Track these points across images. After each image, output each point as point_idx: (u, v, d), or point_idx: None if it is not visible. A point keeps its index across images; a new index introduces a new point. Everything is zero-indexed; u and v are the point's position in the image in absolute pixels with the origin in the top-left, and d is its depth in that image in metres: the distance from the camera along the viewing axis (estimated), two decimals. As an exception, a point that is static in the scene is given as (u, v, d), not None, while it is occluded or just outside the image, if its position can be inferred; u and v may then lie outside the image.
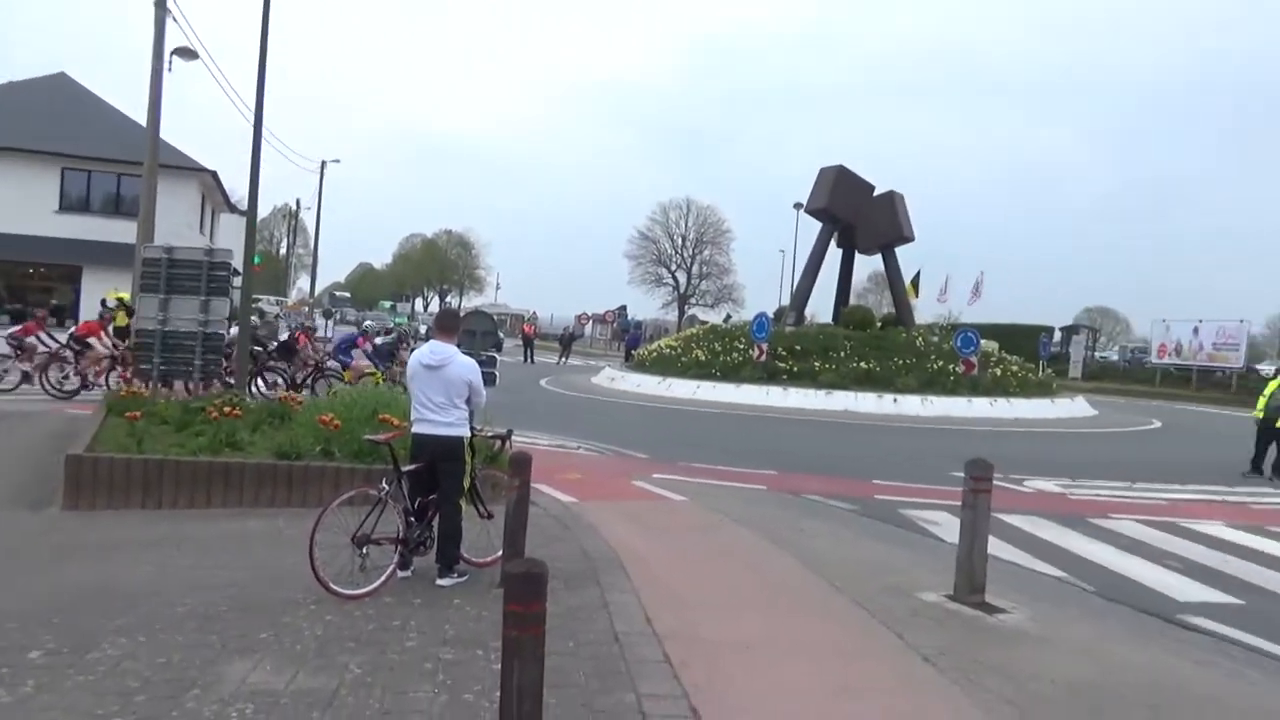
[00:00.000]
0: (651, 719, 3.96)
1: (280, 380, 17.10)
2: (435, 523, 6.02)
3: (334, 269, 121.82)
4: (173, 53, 17.55)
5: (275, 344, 18.38)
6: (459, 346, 6.15)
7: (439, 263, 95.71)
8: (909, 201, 29.02)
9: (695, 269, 74.19)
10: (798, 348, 25.31)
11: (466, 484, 6.05)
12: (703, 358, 25.98)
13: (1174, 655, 5.53)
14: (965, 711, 4.31)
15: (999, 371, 25.89)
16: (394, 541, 5.78)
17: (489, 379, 14.21)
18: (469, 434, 6.05)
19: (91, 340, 15.92)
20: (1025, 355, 31.98)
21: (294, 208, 66.37)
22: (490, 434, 7.04)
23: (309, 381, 16.99)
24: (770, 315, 26.67)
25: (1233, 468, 14.79)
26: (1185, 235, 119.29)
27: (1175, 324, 45.01)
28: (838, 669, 4.79)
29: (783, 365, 24.50)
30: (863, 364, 24.30)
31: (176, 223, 24.29)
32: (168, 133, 20.02)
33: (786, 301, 33.79)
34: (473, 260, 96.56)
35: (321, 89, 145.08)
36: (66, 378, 15.88)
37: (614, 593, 5.86)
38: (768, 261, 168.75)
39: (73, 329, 17.49)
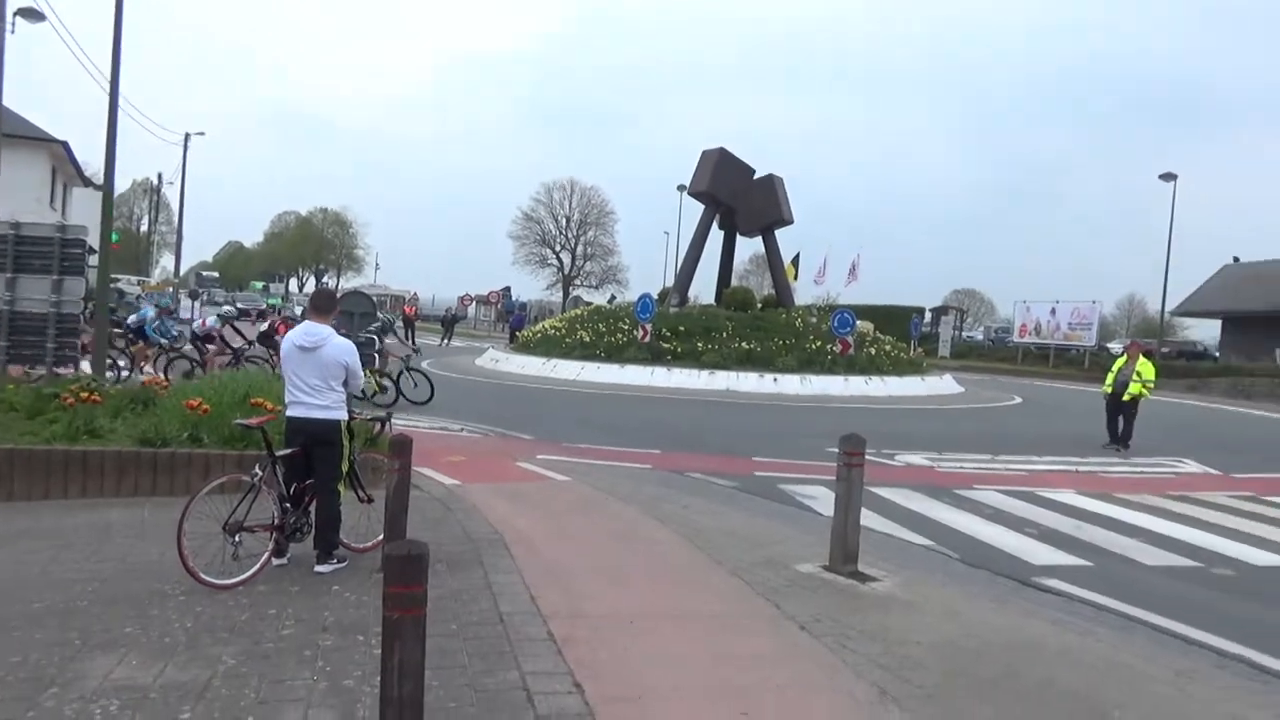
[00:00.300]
0: (536, 696, 3.98)
1: (389, 378, 16.31)
2: (313, 508, 5.86)
3: (201, 248, 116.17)
4: (16, 13, 16.36)
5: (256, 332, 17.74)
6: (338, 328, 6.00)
7: (314, 242, 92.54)
8: (789, 185, 29.71)
9: (580, 250, 74.11)
10: (681, 329, 25.64)
11: (345, 468, 5.91)
12: (587, 339, 26.02)
13: (1029, 615, 5.90)
14: (838, 674, 4.50)
15: (873, 351, 26.84)
16: (269, 529, 5.61)
17: (368, 361, 13.96)
18: (346, 417, 5.91)
19: None
20: (898, 335, 33.26)
21: (155, 182, 62.98)
22: (369, 417, 6.89)
23: None
24: (654, 296, 26.90)
25: (1086, 439, 15.78)
26: (1044, 220, 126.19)
27: (1035, 305, 47.60)
28: (718, 638, 4.92)
29: (666, 346, 24.78)
30: (744, 344, 24.81)
31: (25, 197, 22.73)
32: (13, 100, 18.67)
33: (671, 283, 34.11)
34: (350, 240, 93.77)
35: (185, 59, 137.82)
36: None
37: (498, 573, 5.85)
38: (652, 243, 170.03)
39: None
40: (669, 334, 25.31)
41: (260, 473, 5.56)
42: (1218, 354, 48.35)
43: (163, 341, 17.34)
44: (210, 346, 16.93)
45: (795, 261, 44.99)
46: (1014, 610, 5.97)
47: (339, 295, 13.61)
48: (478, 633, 4.77)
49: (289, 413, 5.80)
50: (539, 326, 31.98)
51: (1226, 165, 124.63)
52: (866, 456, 11.29)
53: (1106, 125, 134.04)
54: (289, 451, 5.79)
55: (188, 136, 45.99)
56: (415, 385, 15.81)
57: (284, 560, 5.81)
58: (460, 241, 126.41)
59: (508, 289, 65.54)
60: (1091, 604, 6.40)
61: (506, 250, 74.75)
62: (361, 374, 6.01)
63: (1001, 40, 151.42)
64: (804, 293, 51.33)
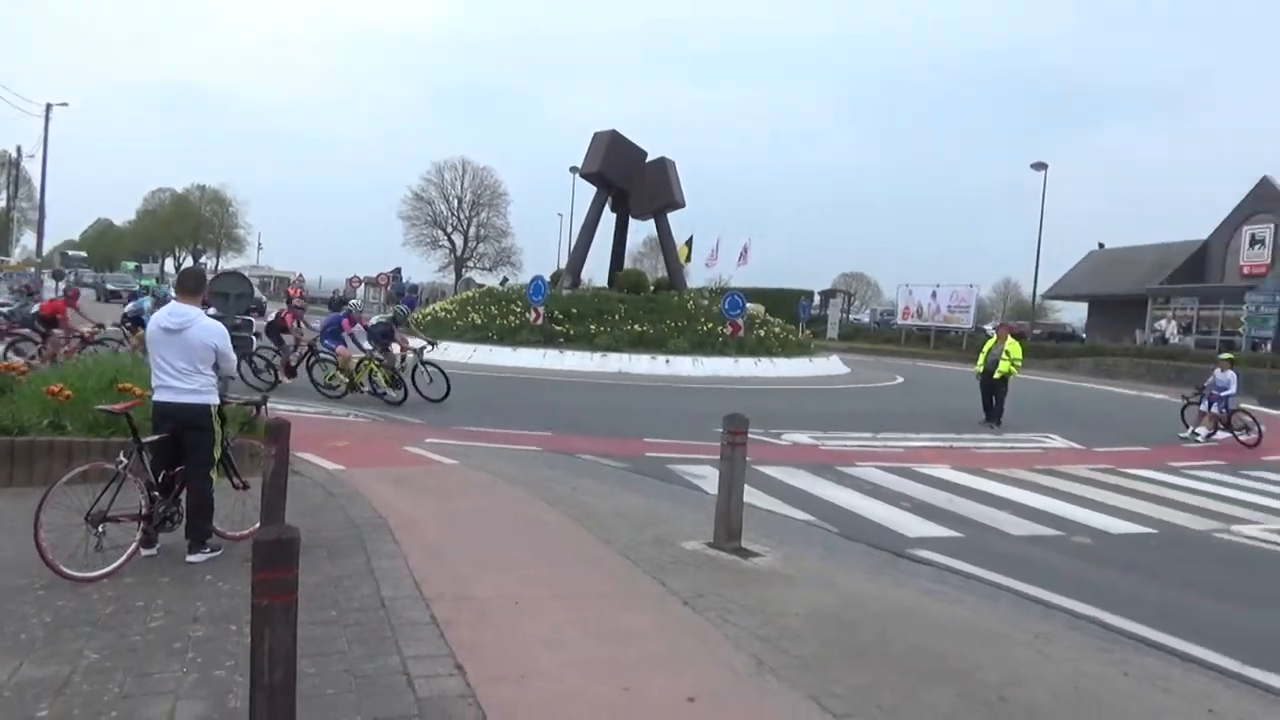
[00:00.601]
0: (416, 679, 3.95)
1: (269, 364, 15.26)
2: (184, 496, 5.64)
3: (67, 226, 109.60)
4: None
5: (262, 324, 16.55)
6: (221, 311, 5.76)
7: (191, 220, 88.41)
8: (681, 168, 29.92)
9: (472, 231, 73.04)
10: (574, 311, 25.61)
11: (217, 454, 5.70)
12: (479, 321, 25.72)
13: (902, 585, 6.15)
14: (718, 647, 4.60)
15: (763, 333, 27.38)
16: (136, 518, 5.37)
17: (243, 344, 13.38)
18: (216, 401, 5.69)
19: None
20: (787, 318, 34.03)
21: (14, 155, 59.06)
22: (243, 401, 6.66)
23: (308, 365, 15.21)
24: (547, 279, 26.77)
25: (962, 416, 16.49)
26: (929, 206, 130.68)
27: (917, 288, 49.37)
28: (602, 617, 4.97)
29: (559, 328, 24.72)
30: (636, 327, 24.96)
31: None
32: None
33: (565, 265, 34.00)
34: (230, 219, 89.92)
35: (46, 25, 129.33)
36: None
37: (381, 558, 5.75)
38: (546, 225, 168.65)
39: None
40: (562, 316, 25.24)
41: (125, 460, 5.32)
42: (1084, 335, 51.09)
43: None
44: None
45: (688, 244, 45.45)
46: (888, 581, 6.21)
47: (214, 276, 12.84)
48: (358, 618, 4.69)
49: (155, 397, 5.55)
50: (429, 309, 31.42)
51: (1095, 155, 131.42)
52: (755, 436, 11.56)
53: (986, 116, 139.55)
54: (157, 437, 5.54)
55: (49, 107, 43.43)
56: (430, 380, 14.79)
57: (154, 551, 5.58)
58: (349, 223, 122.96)
59: (398, 271, 64.12)
60: (960, 573, 6.73)
61: (397, 231, 72.96)
62: (234, 357, 5.80)
63: (890, 30, 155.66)
64: (696, 275, 51.79)
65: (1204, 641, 5.44)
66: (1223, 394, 15.99)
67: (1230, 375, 16.24)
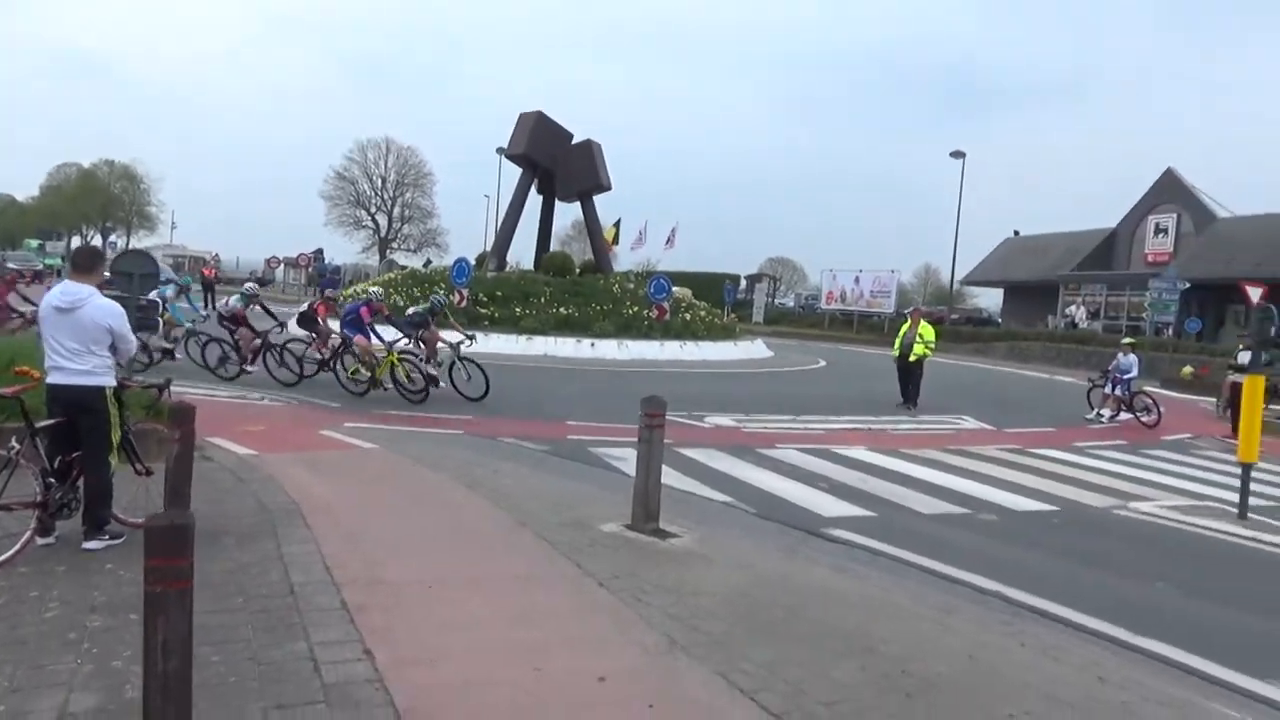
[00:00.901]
0: (323, 665, 3.89)
1: (297, 358, 14.18)
2: (81, 482, 5.45)
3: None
4: None
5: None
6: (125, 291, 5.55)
7: (100, 197, 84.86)
8: (609, 152, 29.84)
9: (396, 212, 71.80)
10: (499, 293, 25.39)
11: (115, 438, 5.51)
12: (402, 304, 25.25)
13: (814, 563, 6.29)
14: (632, 627, 4.64)
15: (688, 317, 27.53)
16: (30, 505, 5.17)
17: (148, 325, 12.86)
18: (111, 383, 5.49)
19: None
20: (713, 301, 34.28)
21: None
22: (145, 384, 6.45)
23: (337, 361, 14.07)
24: (471, 261, 26.47)
25: (881, 399, 16.86)
26: (853, 193, 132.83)
27: (841, 273, 50.22)
28: (517, 599, 4.97)
29: (484, 311, 24.47)
30: (562, 309, 24.87)
31: None
32: None
33: (490, 247, 33.63)
34: (142, 196, 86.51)
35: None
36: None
37: (292, 544, 5.65)
38: (472, 206, 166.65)
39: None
40: (486, 299, 25.00)
41: (18, 446, 5.11)
42: (1000, 320, 52.60)
43: (186, 323, 15.21)
44: (242, 329, 14.65)
45: (616, 228, 45.38)
46: (801, 559, 6.34)
47: (117, 255, 12.16)
48: (266, 605, 4.60)
49: (48, 379, 5.34)
50: (350, 291, 30.79)
51: (1012, 144, 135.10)
52: (677, 419, 11.62)
53: (908, 103, 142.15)
54: (51, 422, 5.33)
55: (-58, 75, 41.02)
56: (469, 378, 13.57)
57: (50, 539, 5.38)
58: (269, 202, 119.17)
59: (320, 251, 62.64)
60: (871, 551, 6.90)
61: (319, 211, 71.39)
62: (132, 338, 5.61)
63: (810, 14, 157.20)
64: (624, 259, 51.75)
65: (1097, 613, 5.69)
66: (1125, 377, 16.66)
67: (1132, 359, 16.91)
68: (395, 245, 72.24)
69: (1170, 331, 33.19)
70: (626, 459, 9.72)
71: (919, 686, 4.13)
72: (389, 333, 14.17)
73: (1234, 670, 4.87)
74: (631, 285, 28.95)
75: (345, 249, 70.46)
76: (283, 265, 59.44)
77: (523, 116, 29.08)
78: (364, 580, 5.06)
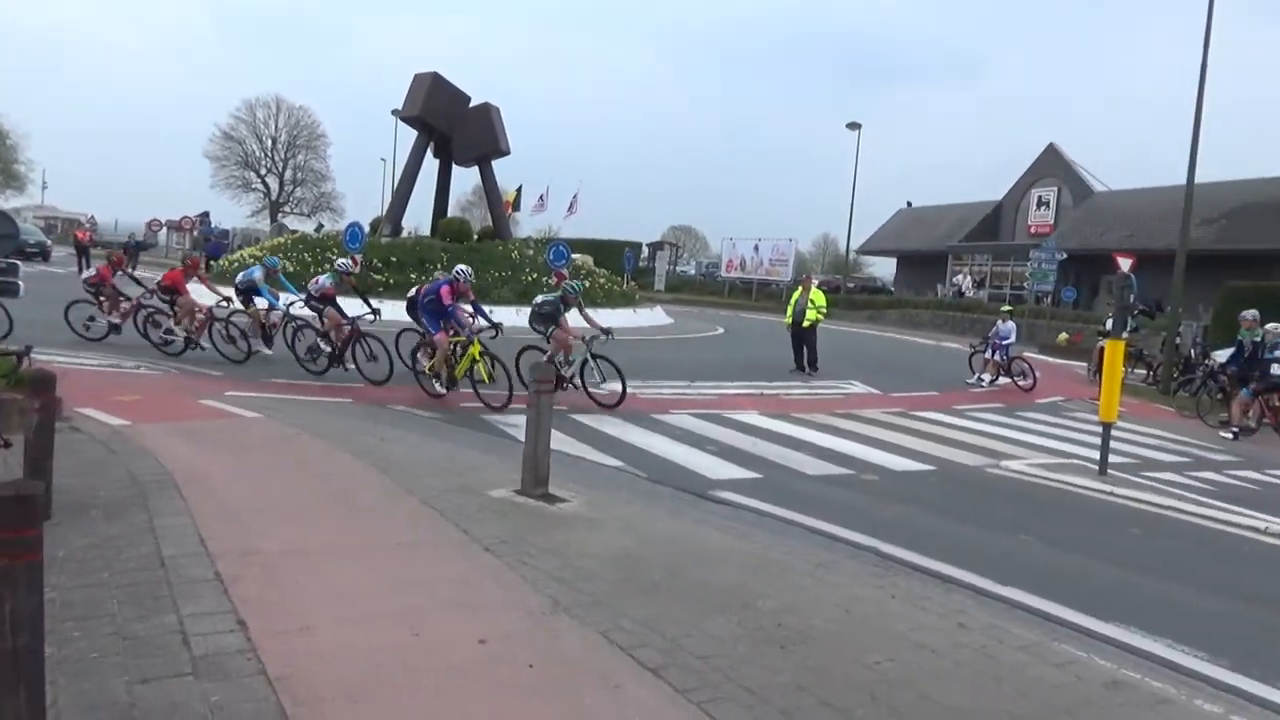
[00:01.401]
0: (193, 637, 3.80)
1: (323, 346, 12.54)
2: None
3: None
4: None
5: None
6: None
7: (-41, 154, 79.25)
8: (510, 116, 29.41)
9: (288, 174, 69.35)
10: (394, 259, 24.87)
11: (-32, 408, 5.21)
12: (291, 269, 24.48)
13: (700, 524, 6.41)
14: (516, 590, 4.67)
15: (588, 284, 27.47)
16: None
17: (8, 289, 12.06)
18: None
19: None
20: (614, 269, 34.32)
21: None
22: (3, 350, 6.12)
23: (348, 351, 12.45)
24: (364, 226, 25.79)
25: (775, 365, 17.22)
26: (754, 163, 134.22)
27: (740, 242, 50.88)
28: (400, 566, 4.93)
29: (378, 277, 23.94)
30: (460, 276, 24.51)
31: None
32: None
33: (385, 212, 32.81)
34: (8, 153, 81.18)
35: None
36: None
37: (164, 516, 5.46)
38: (369, 169, 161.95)
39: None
40: (381, 265, 24.46)
41: None
42: (893, 289, 54.20)
43: (279, 307, 13.70)
44: (329, 311, 12.89)
45: (517, 194, 44.86)
46: (687, 520, 6.46)
47: None
48: (134, 579, 4.45)
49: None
50: (236, 255, 29.69)
51: (906, 116, 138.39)
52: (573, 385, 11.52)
53: (808, 74, 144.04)
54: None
55: None
56: (602, 379, 11.75)
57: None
58: (149, 163, 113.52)
59: (206, 215, 60.06)
60: (756, 511, 7.08)
61: (205, 172, 68.31)
62: None
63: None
64: (525, 225, 51.25)
65: (965, 565, 5.98)
66: (1004, 343, 17.42)
67: (1010, 325, 17.69)
68: (287, 209, 69.88)
69: (1049, 300, 34.77)
70: (519, 425, 9.67)
71: (793, 638, 4.28)
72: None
73: (1082, 613, 5.20)
74: (531, 251, 28.74)
75: (234, 212, 68.05)
76: (165, 229, 56.76)
77: (418, 78, 28.36)
78: (239, 551, 4.94)
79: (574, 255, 28.71)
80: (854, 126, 43.65)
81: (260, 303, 13.85)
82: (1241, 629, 5.37)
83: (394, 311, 19.75)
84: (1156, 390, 18.58)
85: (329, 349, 12.70)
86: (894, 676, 3.92)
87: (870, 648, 4.24)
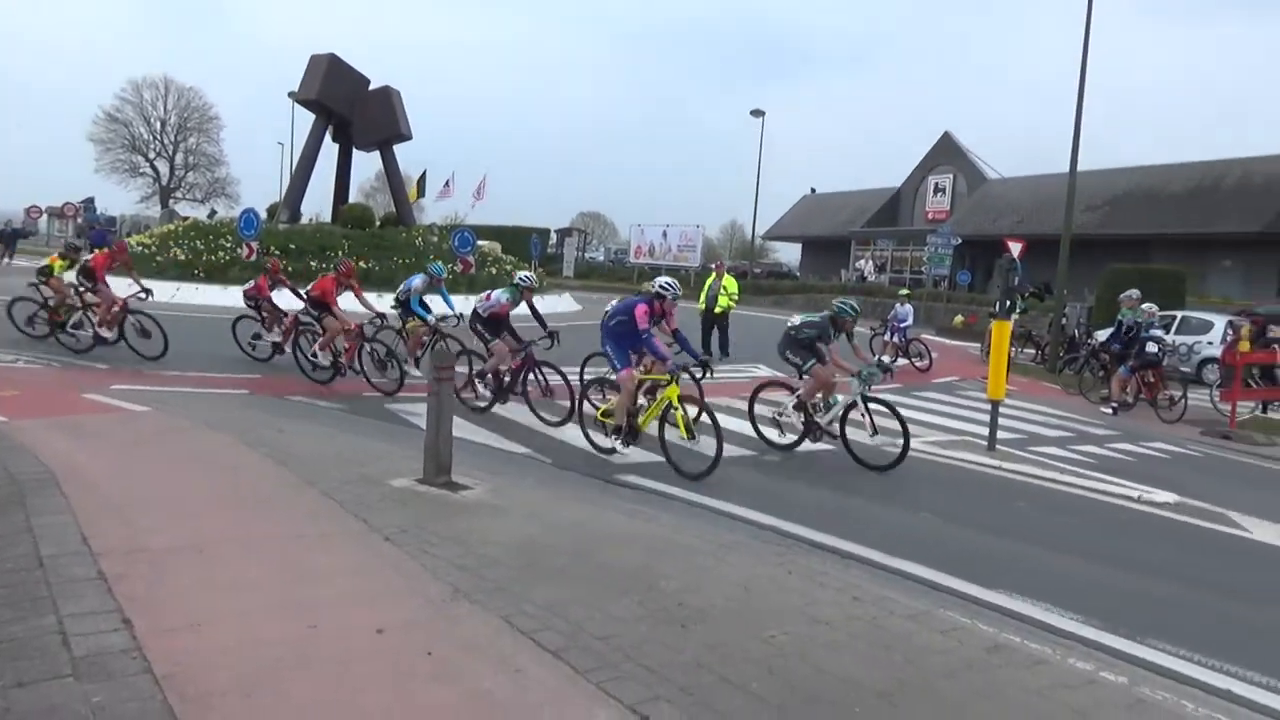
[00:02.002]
0: (74, 638, 3.65)
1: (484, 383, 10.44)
2: None
3: None
4: None
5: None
6: None
7: None
8: (413, 100, 28.84)
9: (180, 158, 66.62)
10: (292, 246, 24.18)
11: None
12: (183, 257, 23.64)
13: (606, 509, 6.46)
14: (416, 579, 4.63)
15: (494, 271, 27.22)
16: None
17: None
18: None
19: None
20: (521, 256, 34.07)
21: None
22: None
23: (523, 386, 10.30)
24: (261, 212, 25.02)
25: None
26: (662, 150, 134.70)
27: (649, 228, 51.10)
28: (297, 559, 4.83)
29: (277, 265, 23.27)
30: (361, 263, 23.91)
31: None
32: None
33: (283, 198, 31.81)
34: None
35: None
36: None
37: (44, 515, 5.22)
38: (266, 154, 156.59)
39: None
40: (279, 252, 23.72)
41: None
42: (798, 274, 55.22)
43: (428, 319, 12.22)
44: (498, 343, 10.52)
45: (421, 180, 44.06)
46: (592, 505, 6.50)
47: None
48: (9, 580, 4.25)
49: None
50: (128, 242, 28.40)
51: (811, 104, 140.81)
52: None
53: (715, 65, 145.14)
54: None
55: None
56: (873, 431, 8.94)
57: None
58: (27, 146, 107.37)
59: (90, 200, 57.27)
60: (662, 494, 7.16)
61: (88, 156, 64.92)
62: None
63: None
64: (432, 211, 50.37)
65: (860, 540, 6.18)
66: (902, 325, 17.97)
67: (908, 308, 18.26)
68: (179, 195, 67.17)
69: (945, 284, 35.95)
70: (424, 414, 9.57)
71: (693, 617, 4.35)
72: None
73: (969, 582, 5.44)
74: (435, 238, 28.29)
75: (122, 198, 64.96)
76: (45, 215, 53.90)
77: (314, 59, 27.55)
78: (126, 549, 4.76)
79: (481, 242, 28.41)
80: (758, 114, 44.23)
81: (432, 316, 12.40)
82: (1112, 592, 5.70)
83: (288, 298, 19.29)
84: (1044, 369, 19.43)
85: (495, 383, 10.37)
86: (790, 649, 4.04)
87: (768, 623, 4.35)
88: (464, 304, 23.57)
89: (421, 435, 8.47)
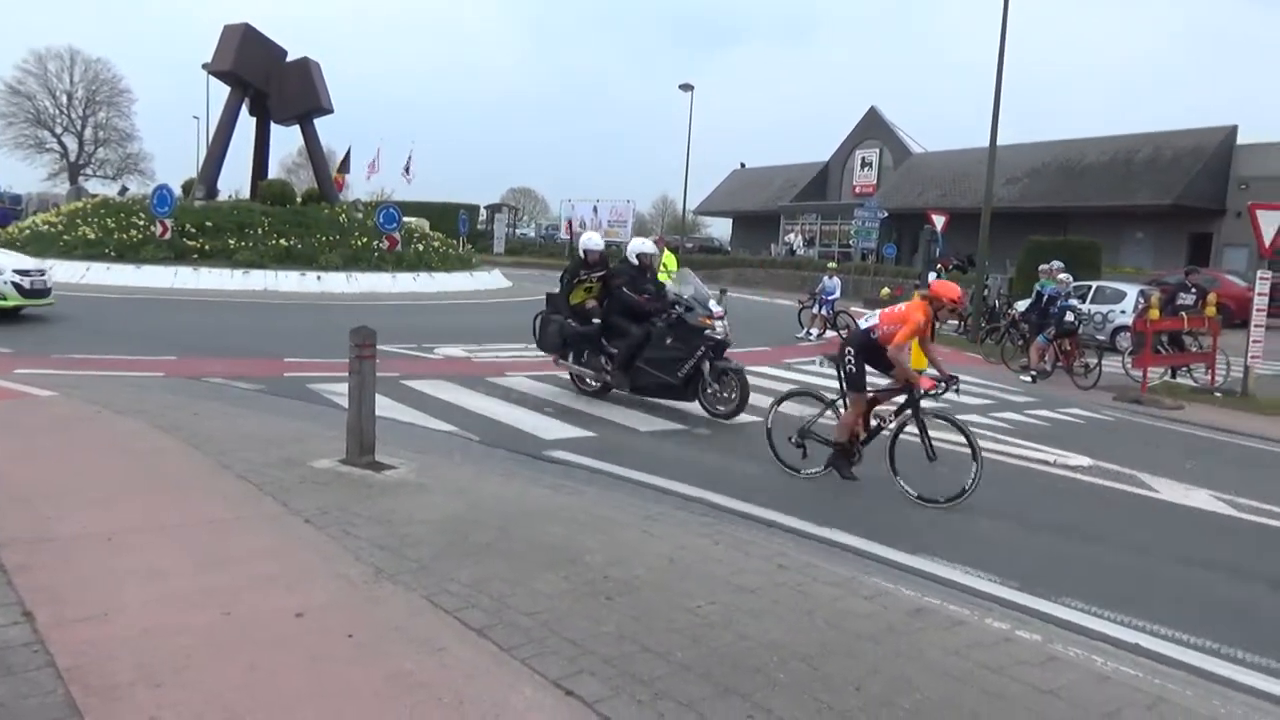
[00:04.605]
0: (-31, 634, 3.49)
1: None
2: None
3: None
4: None
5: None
6: None
7: None
8: (335, 74, 28.06)
9: (89, 134, 63.90)
10: (209, 224, 23.38)
11: None
12: (92, 236, 22.66)
13: (532, 484, 6.40)
14: (336, 561, 4.53)
15: (421, 248, 26.79)
16: None
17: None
18: None
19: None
20: (450, 232, 33.57)
21: None
22: None
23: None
24: (175, 188, 24.16)
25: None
26: (593, 123, 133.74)
27: (580, 204, 50.89)
28: (210, 545, 4.68)
29: (192, 244, 22.50)
30: (283, 241, 23.36)
31: None
32: None
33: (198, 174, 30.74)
34: None
35: None
36: None
37: (-62, 506, 4.98)
38: (181, 129, 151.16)
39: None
40: (195, 231, 22.97)
41: None
42: (729, 248, 55.51)
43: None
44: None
45: (346, 157, 43.08)
46: (519, 482, 6.44)
47: None
48: (-101, 575, 4.04)
49: None
50: (28, 221, 27.17)
51: (740, 78, 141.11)
52: (406, 351, 11.38)
53: (644, 38, 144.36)
54: None
55: None
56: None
57: None
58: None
59: (-8, 178, 54.66)
60: (589, 469, 7.14)
61: (-10, 131, 61.71)
62: None
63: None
64: (357, 188, 49.33)
65: (787, 510, 6.26)
66: (829, 298, 18.20)
67: (835, 281, 18.48)
68: (89, 171, 64.52)
69: (873, 256, 36.52)
70: (345, 393, 9.37)
71: (619, 589, 4.35)
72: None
73: (891, 548, 5.55)
74: (360, 215, 27.68)
75: (27, 175, 62.09)
76: (-55, 194, 51.26)
77: (228, 29, 26.57)
78: (29, 539, 4.56)
79: (407, 219, 27.91)
80: (687, 88, 44.14)
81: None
82: (1029, 552, 5.87)
83: (205, 279, 18.75)
84: (966, 339, 19.89)
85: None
86: (715, 618, 4.06)
87: (693, 593, 4.37)
88: (391, 282, 23.25)
89: (342, 415, 8.35)
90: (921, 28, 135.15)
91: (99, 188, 58.75)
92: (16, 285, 13.46)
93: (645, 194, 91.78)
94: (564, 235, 51.62)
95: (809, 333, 18.49)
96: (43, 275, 14.19)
